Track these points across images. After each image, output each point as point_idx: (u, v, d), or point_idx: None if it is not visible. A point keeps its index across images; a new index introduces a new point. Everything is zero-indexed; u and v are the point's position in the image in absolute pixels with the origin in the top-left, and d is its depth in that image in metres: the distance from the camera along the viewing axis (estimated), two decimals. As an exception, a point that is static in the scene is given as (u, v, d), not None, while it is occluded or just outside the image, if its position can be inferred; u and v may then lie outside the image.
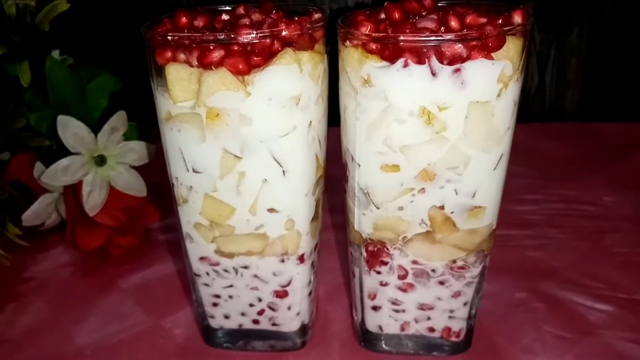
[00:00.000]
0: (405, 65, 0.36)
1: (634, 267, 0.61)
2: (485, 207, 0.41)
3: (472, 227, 0.42)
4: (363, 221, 0.43)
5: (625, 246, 0.65)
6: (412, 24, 0.37)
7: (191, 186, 0.42)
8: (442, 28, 0.37)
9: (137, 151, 0.66)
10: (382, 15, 0.40)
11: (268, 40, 0.37)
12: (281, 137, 0.40)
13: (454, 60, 0.35)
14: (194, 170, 0.41)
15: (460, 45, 0.35)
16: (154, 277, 0.63)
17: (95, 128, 0.64)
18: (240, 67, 0.37)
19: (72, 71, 0.68)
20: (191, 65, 0.38)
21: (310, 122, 0.41)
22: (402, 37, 0.35)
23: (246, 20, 0.41)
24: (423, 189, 0.40)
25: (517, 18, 0.38)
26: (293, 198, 0.43)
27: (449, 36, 0.35)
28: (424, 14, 0.41)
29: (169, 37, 0.37)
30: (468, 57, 0.35)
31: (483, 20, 0.38)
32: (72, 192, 0.65)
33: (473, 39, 0.35)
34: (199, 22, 0.40)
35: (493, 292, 0.57)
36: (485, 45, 0.35)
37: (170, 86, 0.39)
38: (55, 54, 0.71)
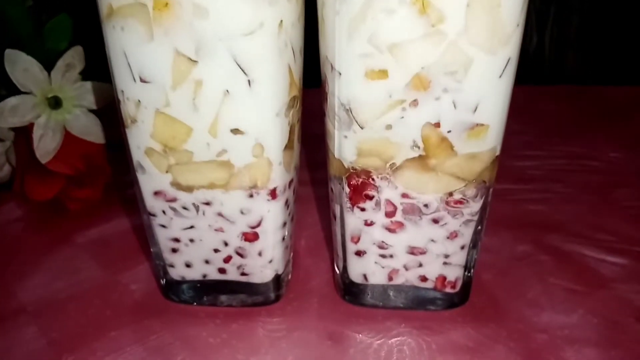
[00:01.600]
0: (395, -64, 0.29)
1: (647, 221, 0.55)
2: (489, 126, 0.35)
3: (473, 150, 0.36)
4: (345, 146, 0.37)
5: (636, 200, 0.59)
6: None
7: (139, 100, 0.36)
8: None
9: (96, 92, 0.59)
10: None
11: None
12: (245, 35, 0.33)
13: None
14: (141, 80, 0.35)
15: None
16: (113, 232, 0.57)
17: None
18: (194, -58, 0.30)
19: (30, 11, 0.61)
20: (133, -60, 0.31)
21: (281, 21, 0.35)
22: None
23: None
24: (415, 100, 0.34)
25: None
26: (261, 117, 0.36)
27: None
28: None
29: None
30: None
31: None
32: (24, 136, 0.58)
33: None
34: None
35: (493, 246, 0.51)
36: None
37: (109, -30, 0.32)
38: (13, -7, 0.64)
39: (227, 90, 0.35)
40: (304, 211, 0.58)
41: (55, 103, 0.58)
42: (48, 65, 0.58)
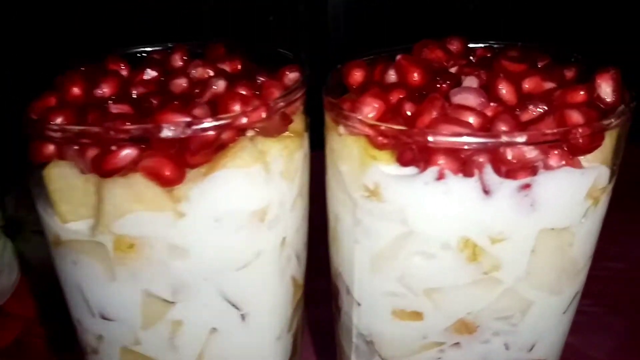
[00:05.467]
0: (440, 176, 0.22)
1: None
2: (546, 360, 0.28)
3: (525, 385, 0.29)
4: (364, 375, 0.30)
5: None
6: (443, 94, 0.23)
7: (101, 335, 0.28)
8: (492, 103, 0.23)
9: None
10: (393, 75, 0.26)
11: (212, 133, 0.22)
12: (237, 270, 0.26)
13: (522, 171, 0.21)
14: (102, 317, 0.27)
15: (533, 148, 0.21)
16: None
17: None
18: (167, 173, 0.22)
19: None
20: (84, 171, 0.23)
21: (284, 238, 0.27)
22: (433, 138, 0.21)
23: (182, 82, 0.26)
24: (457, 343, 0.26)
25: (606, 87, 0.24)
26: (258, 346, 0.29)
27: (516, 137, 0.21)
28: (452, 69, 0.27)
29: (47, 130, 0.22)
30: (545, 166, 0.21)
31: (549, 84, 0.25)
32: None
33: (554, 140, 0.21)
34: (105, 89, 0.25)
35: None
36: (573, 146, 0.21)
37: (55, 199, 0.24)
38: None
39: (215, 328, 0.27)
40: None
41: (12, 230, 0.50)
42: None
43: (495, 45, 0.31)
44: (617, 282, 0.59)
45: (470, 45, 0.30)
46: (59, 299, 0.51)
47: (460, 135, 0.21)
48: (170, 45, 0.31)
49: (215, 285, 0.26)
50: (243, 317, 0.27)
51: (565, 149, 0.21)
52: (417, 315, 0.26)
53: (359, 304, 0.27)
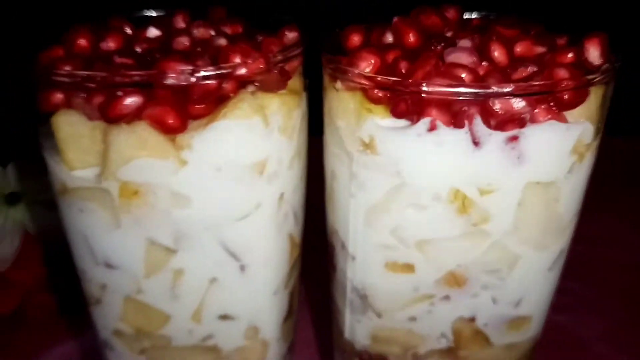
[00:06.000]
0: (432, 128, 0.23)
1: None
2: (532, 317, 0.29)
3: (511, 341, 0.30)
4: (357, 330, 0.31)
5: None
6: (437, 54, 0.24)
7: (105, 284, 0.29)
8: (484, 62, 0.24)
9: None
10: (390, 38, 0.27)
11: (214, 82, 0.23)
12: (237, 220, 0.27)
13: (510, 122, 0.22)
14: (106, 265, 0.28)
15: (520, 100, 0.22)
16: (81, 350, 0.50)
17: None
18: (170, 121, 0.23)
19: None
20: (91, 118, 0.24)
21: (282, 194, 0.28)
22: (426, 88, 0.22)
23: (184, 40, 0.27)
24: (447, 296, 0.28)
25: (594, 51, 0.25)
26: (256, 300, 0.30)
27: (504, 88, 0.22)
28: (448, 34, 0.28)
29: (56, 76, 0.23)
30: (532, 119, 0.22)
31: (540, 49, 0.26)
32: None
33: (543, 92, 0.22)
34: (110, 44, 0.26)
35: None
36: (559, 101, 0.22)
37: (63, 146, 0.25)
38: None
39: (215, 278, 0.28)
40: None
41: (12, 200, 0.51)
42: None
43: (491, 17, 0.32)
44: (609, 268, 0.60)
45: (466, 16, 0.31)
46: (58, 268, 0.52)
47: (452, 85, 0.22)
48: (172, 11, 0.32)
49: (215, 235, 0.27)
50: (242, 268, 0.28)
51: (552, 103, 0.22)
52: (408, 268, 0.27)
53: (353, 258, 0.28)
